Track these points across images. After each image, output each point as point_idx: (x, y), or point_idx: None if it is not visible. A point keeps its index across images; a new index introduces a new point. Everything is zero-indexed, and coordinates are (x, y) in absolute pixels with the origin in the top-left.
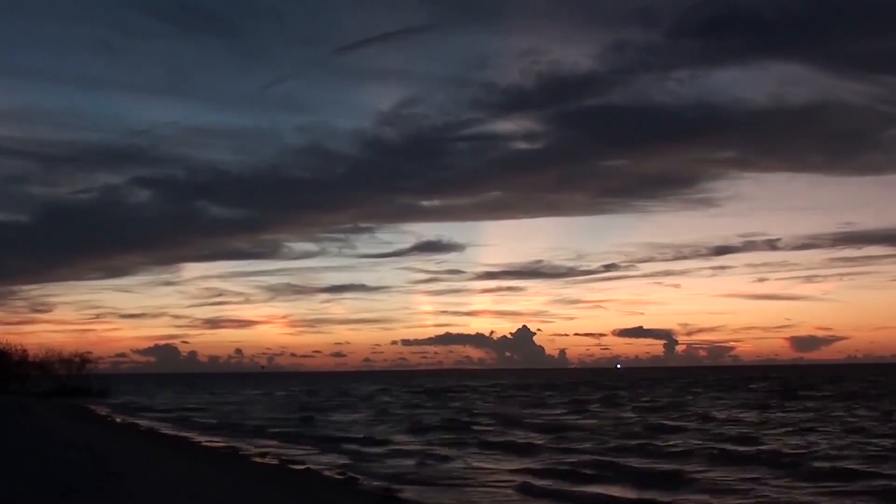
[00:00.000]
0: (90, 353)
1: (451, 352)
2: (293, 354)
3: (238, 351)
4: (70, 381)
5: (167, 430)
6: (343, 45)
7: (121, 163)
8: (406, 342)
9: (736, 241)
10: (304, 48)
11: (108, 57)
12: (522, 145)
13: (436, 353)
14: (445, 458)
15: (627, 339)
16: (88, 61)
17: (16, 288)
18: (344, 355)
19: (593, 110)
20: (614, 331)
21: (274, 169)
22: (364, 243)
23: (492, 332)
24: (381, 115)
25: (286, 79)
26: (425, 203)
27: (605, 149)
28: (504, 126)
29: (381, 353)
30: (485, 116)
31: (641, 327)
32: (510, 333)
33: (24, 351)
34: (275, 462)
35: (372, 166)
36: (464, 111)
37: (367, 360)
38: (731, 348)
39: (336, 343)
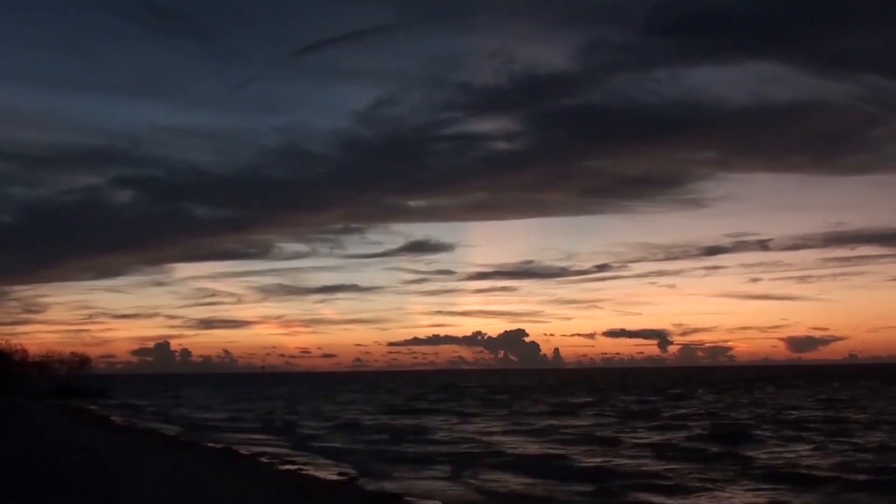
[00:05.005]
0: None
1: (443, 352)
2: (283, 355)
3: (226, 351)
4: (69, 381)
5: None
6: (311, 45)
7: (101, 164)
8: (399, 342)
9: (726, 242)
10: (273, 48)
11: (79, 59)
12: (503, 145)
13: (425, 353)
14: None
15: (622, 340)
16: (61, 63)
17: (7, 288)
18: (336, 356)
19: (572, 110)
20: (609, 331)
21: (254, 169)
22: (354, 244)
23: (478, 332)
24: (357, 116)
25: (257, 79)
26: (412, 203)
27: (586, 149)
28: (482, 126)
29: (374, 353)
30: (462, 116)
31: (628, 328)
32: (497, 334)
33: (24, 351)
34: (274, 462)
35: (353, 167)
36: (440, 111)
37: (358, 360)
38: (728, 349)
39: (329, 343)
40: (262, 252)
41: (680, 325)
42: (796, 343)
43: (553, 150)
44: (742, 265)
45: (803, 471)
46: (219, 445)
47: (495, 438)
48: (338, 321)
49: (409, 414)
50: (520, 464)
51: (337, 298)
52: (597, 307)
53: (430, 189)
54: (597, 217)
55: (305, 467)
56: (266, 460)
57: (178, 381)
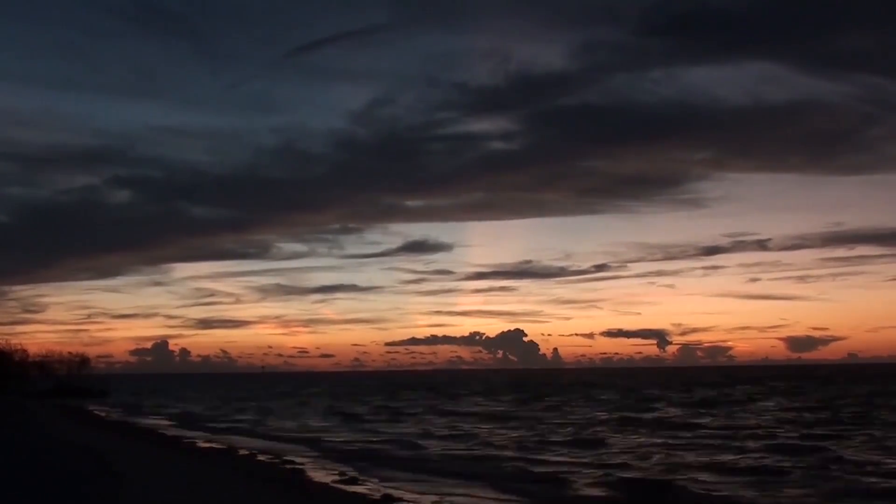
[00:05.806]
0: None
1: (441, 352)
2: (281, 355)
3: (224, 351)
4: (69, 381)
5: (166, 430)
6: (307, 44)
7: (97, 164)
8: (397, 342)
9: (725, 242)
10: (269, 48)
11: (76, 59)
12: (499, 145)
13: (423, 353)
14: None
15: (621, 340)
16: (58, 63)
17: (6, 288)
18: (334, 356)
19: (568, 110)
20: (607, 331)
21: (251, 169)
22: (352, 244)
23: (476, 332)
24: (353, 115)
25: (253, 79)
26: (409, 203)
27: (583, 148)
28: (478, 126)
29: (372, 353)
30: (458, 116)
31: (627, 328)
32: (495, 334)
33: (24, 351)
34: (273, 461)
35: (350, 166)
36: (436, 111)
37: (356, 360)
38: (727, 348)
39: (327, 343)
40: (261, 252)
41: (679, 324)
42: (796, 343)
43: (550, 149)
44: (741, 265)
45: None
46: (220, 446)
47: None
48: (336, 321)
49: None
50: None
51: (335, 298)
52: (595, 307)
53: (427, 189)
54: (595, 217)
55: (304, 467)
56: (267, 459)
57: (178, 380)
